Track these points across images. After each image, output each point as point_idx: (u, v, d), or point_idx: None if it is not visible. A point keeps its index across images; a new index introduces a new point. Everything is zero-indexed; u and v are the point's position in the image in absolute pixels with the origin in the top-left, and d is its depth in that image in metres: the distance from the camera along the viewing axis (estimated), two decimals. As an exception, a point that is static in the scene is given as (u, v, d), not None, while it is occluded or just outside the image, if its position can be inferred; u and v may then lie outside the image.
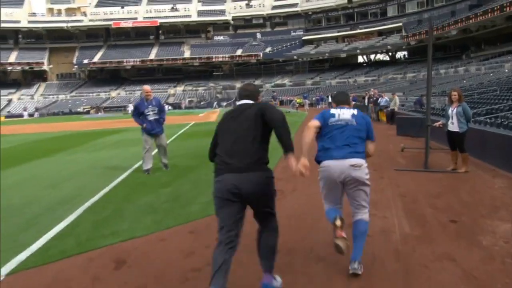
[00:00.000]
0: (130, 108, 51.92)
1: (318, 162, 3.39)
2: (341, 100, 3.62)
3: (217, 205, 2.74)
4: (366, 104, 22.84)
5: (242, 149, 2.69)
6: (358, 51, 60.73)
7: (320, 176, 3.39)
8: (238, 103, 2.96)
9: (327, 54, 62.13)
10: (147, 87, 8.26)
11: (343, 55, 61.20)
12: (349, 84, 55.95)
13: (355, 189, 3.29)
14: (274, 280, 2.95)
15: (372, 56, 69.07)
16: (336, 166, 3.24)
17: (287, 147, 2.66)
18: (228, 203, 2.68)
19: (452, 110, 7.41)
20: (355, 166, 3.23)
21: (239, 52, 66.73)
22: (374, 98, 20.98)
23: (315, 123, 3.39)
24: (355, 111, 3.50)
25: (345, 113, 3.44)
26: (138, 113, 8.00)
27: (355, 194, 3.32)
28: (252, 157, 2.69)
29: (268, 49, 65.98)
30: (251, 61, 65.41)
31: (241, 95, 2.99)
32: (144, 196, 6.12)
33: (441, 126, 7.83)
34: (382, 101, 19.79)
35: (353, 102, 31.86)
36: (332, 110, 3.50)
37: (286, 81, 62.37)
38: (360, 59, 69.40)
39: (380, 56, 69.11)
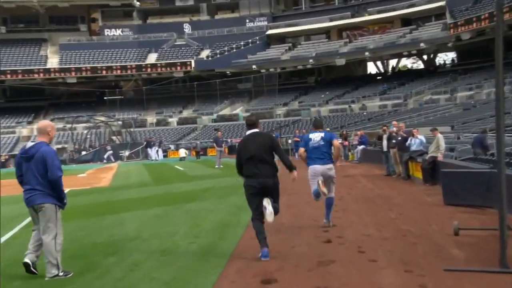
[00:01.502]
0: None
1: (308, 165, 11.34)
2: (316, 126, 11.79)
3: (250, 196, 8.83)
4: (385, 149, 23.07)
5: (263, 165, 8.77)
6: (367, 53, 62.59)
7: (309, 174, 11.30)
8: (248, 132, 9.06)
9: (311, 61, 63.74)
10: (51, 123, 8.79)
11: (341, 61, 62.75)
12: (352, 113, 57.25)
13: (329, 181, 11.33)
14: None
15: (393, 63, 71.48)
16: (319, 168, 11.19)
17: (289, 167, 9.17)
18: (256, 195, 8.79)
19: None
20: (329, 169, 11.27)
21: (152, 58, 67.87)
22: (399, 139, 21.36)
23: (302, 149, 11.69)
24: (323, 134, 11.31)
25: (317, 136, 11.25)
26: None
27: (328, 184, 11.30)
28: (268, 170, 8.83)
29: (205, 53, 67.32)
30: (174, 74, 66.50)
31: (248, 125, 9.13)
32: None
33: None
34: (415, 143, 20.22)
35: (361, 146, 32.67)
36: (310, 135, 11.52)
37: (239, 110, 63.28)
38: (372, 68, 71.69)
39: (407, 62, 71.96)
